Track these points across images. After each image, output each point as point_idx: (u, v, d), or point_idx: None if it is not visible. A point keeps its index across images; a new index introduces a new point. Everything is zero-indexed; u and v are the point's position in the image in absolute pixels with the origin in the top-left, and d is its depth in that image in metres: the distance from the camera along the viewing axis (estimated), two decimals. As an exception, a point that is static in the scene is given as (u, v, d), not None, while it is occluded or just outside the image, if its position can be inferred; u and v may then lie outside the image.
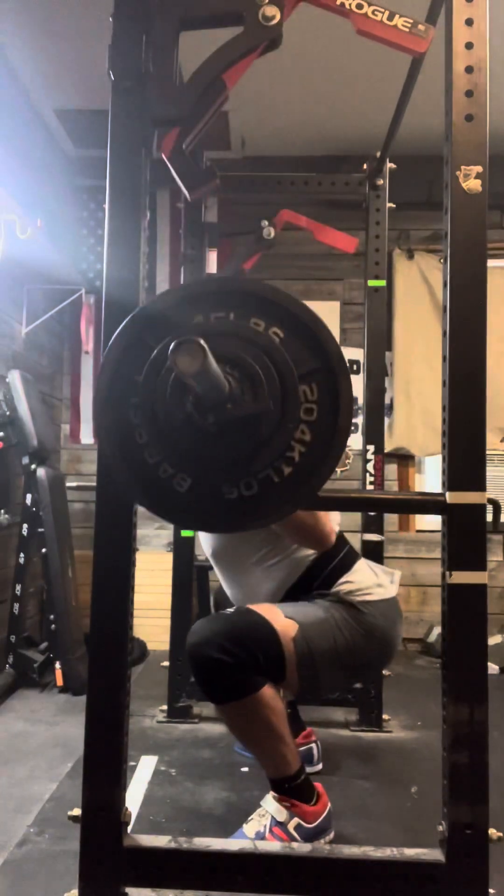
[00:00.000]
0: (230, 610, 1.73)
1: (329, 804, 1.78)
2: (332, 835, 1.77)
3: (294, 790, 1.72)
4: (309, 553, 1.84)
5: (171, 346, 0.92)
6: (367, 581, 1.84)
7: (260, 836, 1.70)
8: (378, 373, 2.67)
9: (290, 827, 1.70)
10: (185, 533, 2.73)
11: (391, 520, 3.92)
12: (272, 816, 1.72)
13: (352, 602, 1.78)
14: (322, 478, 1.10)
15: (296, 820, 1.71)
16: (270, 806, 1.73)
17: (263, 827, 1.72)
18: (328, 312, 4.13)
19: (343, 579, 1.82)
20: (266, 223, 2.76)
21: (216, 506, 1.11)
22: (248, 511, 1.11)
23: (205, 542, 2.01)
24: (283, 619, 1.68)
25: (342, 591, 1.80)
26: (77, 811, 1.26)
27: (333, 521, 1.82)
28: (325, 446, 1.09)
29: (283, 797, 1.72)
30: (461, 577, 1.20)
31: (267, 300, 1.09)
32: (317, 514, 1.69)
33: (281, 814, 1.71)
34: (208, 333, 1.01)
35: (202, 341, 0.91)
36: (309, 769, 2.16)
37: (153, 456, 1.10)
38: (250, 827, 1.73)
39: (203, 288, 1.12)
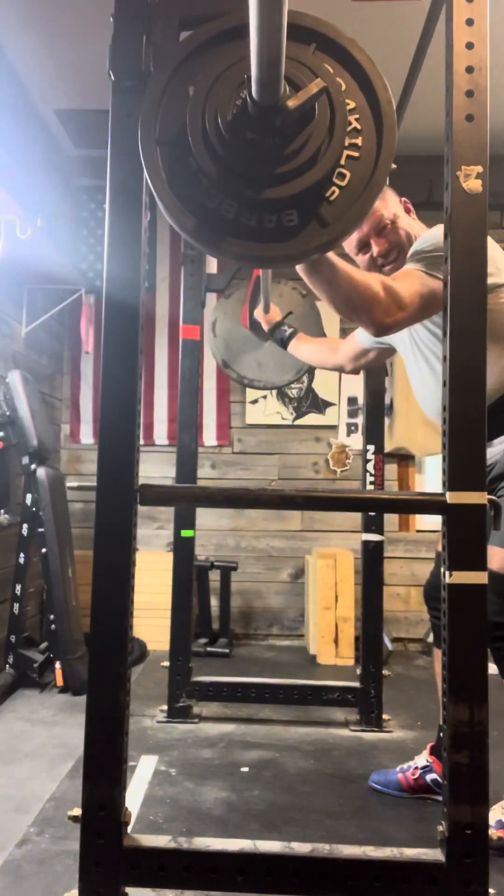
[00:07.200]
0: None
1: None
2: None
3: None
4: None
5: None
6: None
7: None
8: (378, 373, 2.67)
9: None
10: (185, 533, 2.73)
11: (391, 520, 3.91)
12: None
13: None
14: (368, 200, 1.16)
15: None
16: None
17: None
18: (328, 312, 4.13)
19: None
20: (266, 223, 2.76)
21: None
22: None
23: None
24: None
25: None
26: (77, 811, 1.25)
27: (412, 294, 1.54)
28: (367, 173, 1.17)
29: None
30: (461, 578, 1.20)
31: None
32: (389, 283, 1.48)
33: None
34: None
35: None
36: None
37: (214, 199, 1.16)
38: None
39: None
